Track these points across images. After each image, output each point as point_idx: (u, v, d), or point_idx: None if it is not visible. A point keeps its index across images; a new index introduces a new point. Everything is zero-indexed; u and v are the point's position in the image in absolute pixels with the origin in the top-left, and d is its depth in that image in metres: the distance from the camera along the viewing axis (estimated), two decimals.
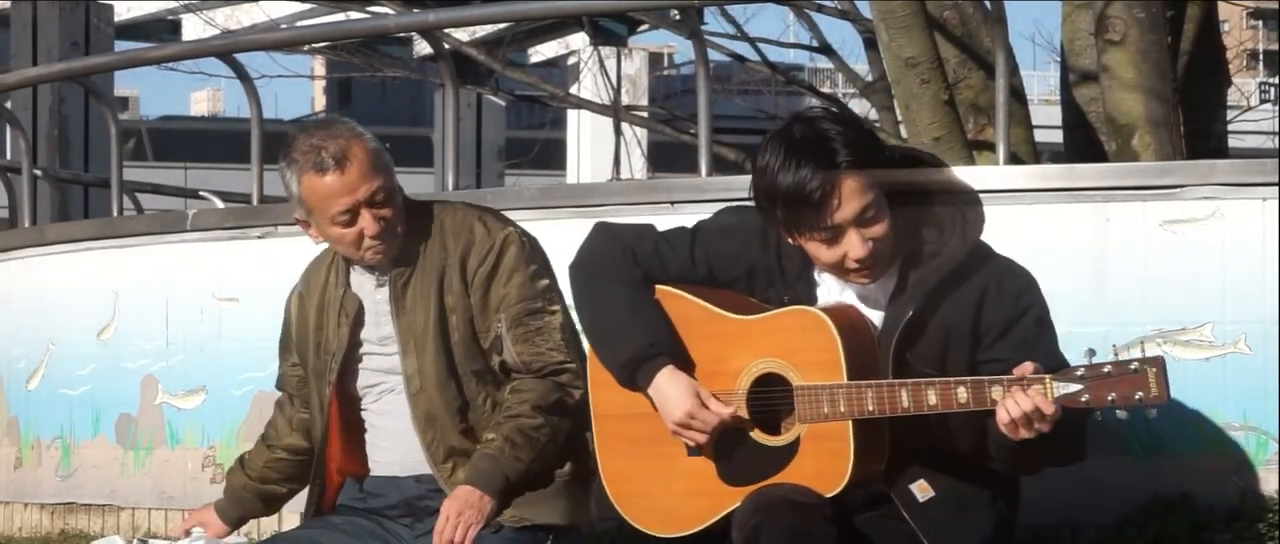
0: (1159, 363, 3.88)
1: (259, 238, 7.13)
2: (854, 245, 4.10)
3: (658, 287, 4.36)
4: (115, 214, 8.21)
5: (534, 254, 4.65)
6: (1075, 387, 3.91)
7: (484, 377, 4.62)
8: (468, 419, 4.61)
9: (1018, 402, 3.93)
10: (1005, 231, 5.58)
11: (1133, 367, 3.87)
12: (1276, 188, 5.62)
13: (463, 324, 4.59)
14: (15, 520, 7.96)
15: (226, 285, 7.16)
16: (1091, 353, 3.91)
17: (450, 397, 4.59)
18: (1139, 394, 3.87)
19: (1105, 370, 3.89)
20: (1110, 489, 5.63)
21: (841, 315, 4.17)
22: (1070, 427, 4.03)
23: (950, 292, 4.16)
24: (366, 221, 4.51)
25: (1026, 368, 3.94)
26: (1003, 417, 3.96)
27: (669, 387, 4.24)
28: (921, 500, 4.17)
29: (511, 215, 6.51)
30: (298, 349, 4.81)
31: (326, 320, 4.71)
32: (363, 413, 4.74)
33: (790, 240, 4.18)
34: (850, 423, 4.10)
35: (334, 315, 4.69)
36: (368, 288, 4.67)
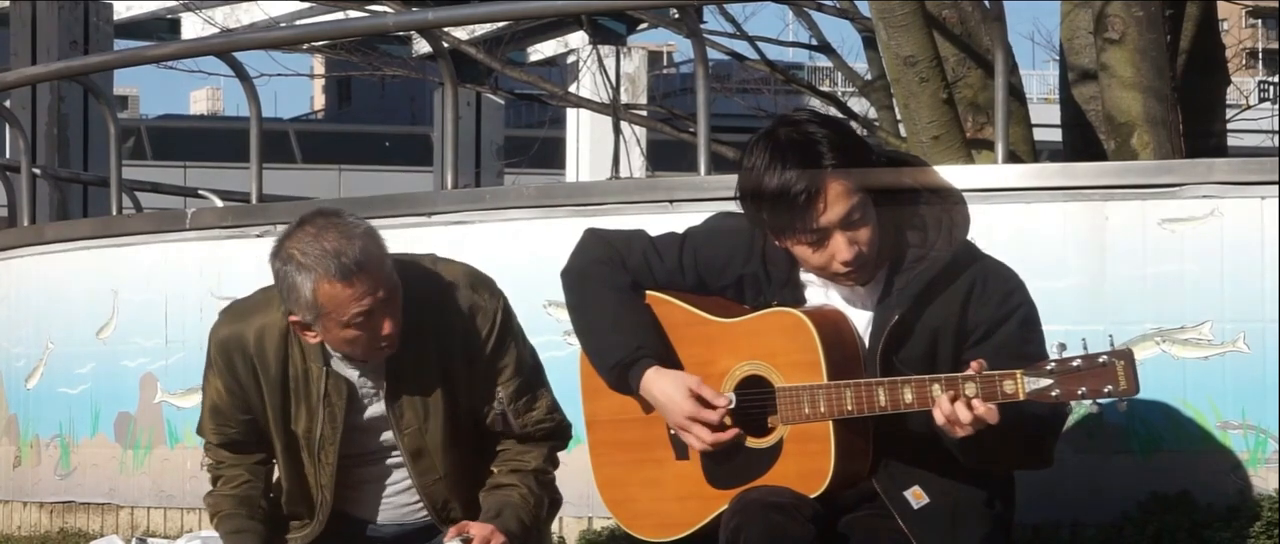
0: (1127, 355, 3.89)
1: (258, 236, 7.13)
2: (840, 248, 4.10)
3: (647, 292, 4.37)
4: (114, 213, 8.21)
5: (513, 319, 4.61)
6: (1046, 381, 3.92)
7: (483, 440, 4.60)
8: (475, 483, 4.60)
9: (939, 406, 3.96)
10: (1004, 230, 5.61)
11: (1101, 360, 3.88)
12: (1276, 187, 5.62)
13: (466, 394, 4.54)
14: (14, 519, 7.96)
15: (225, 284, 7.16)
16: (1062, 347, 3.92)
17: (460, 468, 4.56)
18: (1108, 387, 3.88)
19: (1074, 364, 3.90)
20: (1110, 487, 5.64)
21: (822, 316, 4.17)
22: (1022, 435, 4.04)
23: (936, 294, 4.16)
24: (385, 323, 4.35)
25: (978, 364, 3.95)
26: (939, 417, 3.97)
27: (659, 387, 4.25)
28: (916, 507, 4.17)
29: (511, 214, 6.59)
30: (248, 419, 4.56)
31: (300, 399, 4.52)
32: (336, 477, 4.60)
33: (776, 243, 4.18)
34: (831, 423, 4.10)
35: (314, 396, 4.49)
36: (353, 372, 4.51)
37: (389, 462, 4.61)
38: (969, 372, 3.97)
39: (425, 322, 4.46)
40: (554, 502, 4.69)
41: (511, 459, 4.58)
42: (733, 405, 4.21)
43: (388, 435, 4.56)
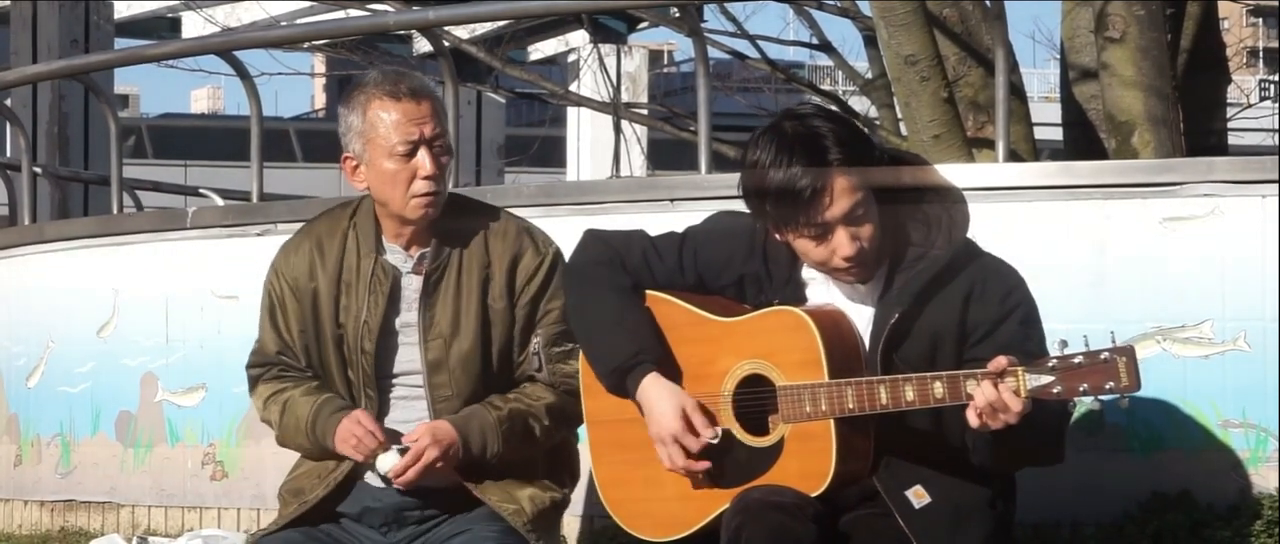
0: (1129, 352, 3.89)
1: (258, 235, 7.13)
2: (842, 244, 4.10)
3: (647, 292, 4.37)
4: (115, 212, 8.21)
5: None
6: (1047, 378, 3.92)
7: (508, 382, 4.61)
8: None
9: (983, 392, 3.93)
10: (1005, 229, 5.60)
11: (1103, 357, 3.88)
12: (1276, 185, 5.62)
13: (502, 330, 4.56)
14: (15, 518, 7.96)
15: (226, 283, 7.16)
16: (1063, 344, 3.92)
17: (475, 398, 4.56)
18: (1109, 383, 3.88)
19: (1076, 361, 3.90)
20: (1110, 486, 5.63)
21: (824, 315, 4.17)
22: (1046, 426, 4.04)
23: (936, 293, 4.16)
24: (423, 160, 4.45)
25: (1000, 361, 3.94)
26: (971, 417, 3.96)
27: (654, 399, 4.24)
28: (917, 507, 4.16)
29: (511, 213, 6.57)
30: (300, 317, 4.65)
31: (348, 288, 4.57)
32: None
33: (778, 237, 4.18)
34: (832, 422, 4.10)
35: (364, 284, 4.56)
36: (401, 266, 4.58)
37: (401, 384, 4.58)
38: (990, 368, 3.95)
39: (473, 239, 4.54)
40: (540, 442, 4.62)
41: (520, 392, 4.59)
42: (717, 440, 4.21)
43: (405, 359, 4.55)
